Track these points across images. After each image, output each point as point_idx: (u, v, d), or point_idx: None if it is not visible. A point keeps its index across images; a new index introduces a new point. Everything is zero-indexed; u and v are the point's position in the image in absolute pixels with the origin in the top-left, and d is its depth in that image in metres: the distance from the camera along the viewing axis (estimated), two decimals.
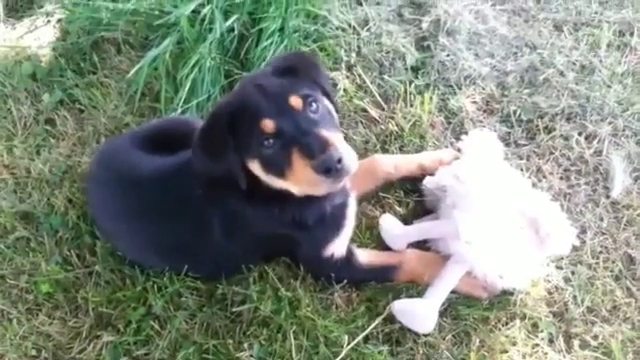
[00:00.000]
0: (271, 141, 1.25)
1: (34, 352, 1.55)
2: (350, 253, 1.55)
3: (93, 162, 1.71)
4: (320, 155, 1.20)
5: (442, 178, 1.60)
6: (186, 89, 1.86)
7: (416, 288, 1.56)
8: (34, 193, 1.84)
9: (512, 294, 1.55)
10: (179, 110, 1.87)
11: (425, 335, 1.50)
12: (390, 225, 1.64)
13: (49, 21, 2.30)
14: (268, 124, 1.24)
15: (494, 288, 1.54)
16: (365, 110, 1.94)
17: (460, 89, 1.97)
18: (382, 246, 1.65)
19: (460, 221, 1.46)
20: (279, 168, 1.27)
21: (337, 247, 1.51)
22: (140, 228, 1.54)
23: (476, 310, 1.53)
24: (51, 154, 1.92)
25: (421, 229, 1.62)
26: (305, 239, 1.49)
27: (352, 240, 1.60)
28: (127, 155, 1.60)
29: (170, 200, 1.48)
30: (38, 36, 2.28)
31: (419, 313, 1.49)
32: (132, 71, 1.90)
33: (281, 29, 1.95)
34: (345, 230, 1.51)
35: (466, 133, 1.85)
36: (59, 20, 2.28)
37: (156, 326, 1.54)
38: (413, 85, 1.97)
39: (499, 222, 1.47)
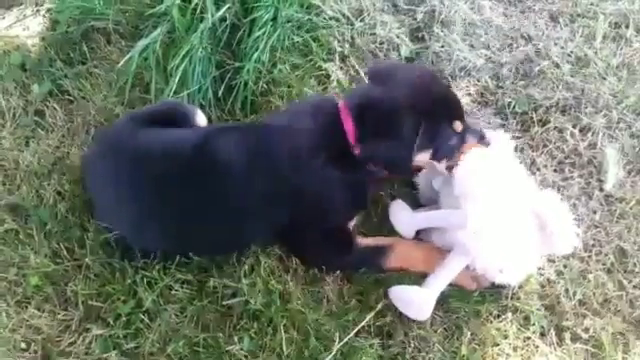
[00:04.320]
0: (454, 138, 1.49)
1: (23, 345, 1.54)
2: (349, 233, 1.59)
3: (97, 147, 1.70)
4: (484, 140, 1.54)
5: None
6: (177, 80, 1.83)
7: (409, 281, 1.55)
8: (23, 185, 1.81)
9: (504, 287, 1.54)
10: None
11: (418, 327, 1.50)
12: (400, 211, 1.63)
13: (38, 11, 2.26)
14: (459, 125, 1.50)
15: (485, 281, 1.53)
16: None
17: (455, 80, 1.95)
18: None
19: (470, 212, 1.44)
20: (448, 157, 1.50)
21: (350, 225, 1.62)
22: (156, 207, 1.54)
23: (468, 303, 1.52)
24: (40, 146, 1.90)
25: (429, 217, 1.60)
26: (335, 211, 1.58)
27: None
28: (133, 133, 1.60)
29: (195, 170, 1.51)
30: (27, 26, 2.24)
31: (417, 300, 1.48)
32: (122, 61, 1.87)
33: (274, 19, 1.92)
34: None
35: None
36: (48, 10, 2.24)
37: (146, 319, 1.53)
38: None
39: (507, 217, 1.45)
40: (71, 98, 2.00)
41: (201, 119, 1.73)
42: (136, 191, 1.54)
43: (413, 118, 1.42)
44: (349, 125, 1.48)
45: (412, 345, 1.50)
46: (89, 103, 1.96)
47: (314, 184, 1.50)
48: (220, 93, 1.89)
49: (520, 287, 1.56)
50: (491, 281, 1.53)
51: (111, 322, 1.54)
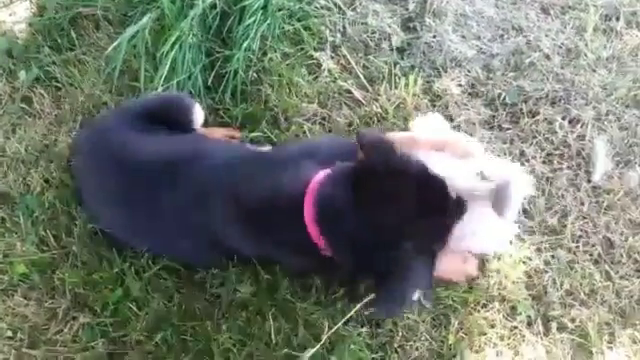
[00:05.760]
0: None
1: (9, 333, 1.53)
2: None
3: (83, 146, 1.63)
4: None
5: None
6: (166, 67, 1.81)
7: None
8: (10, 173, 1.80)
9: (491, 276, 1.55)
10: (159, 89, 1.82)
11: (406, 317, 1.51)
12: None
13: None
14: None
15: (474, 270, 1.54)
16: (349, 91, 1.91)
17: (445, 71, 1.95)
18: None
19: None
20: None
21: None
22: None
23: (455, 292, 1.53)
24: (27, 133, 1.87)
25: None
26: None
27: None
28: (124, 136, 1.54)
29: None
30: (14, 11, 2.20)
31: None
32: (110, 48, 1.85)
33: (264, 7, 1.90)
34: None
35: (451, 117, 1.85)
36: None
37: (134, 308, 1.53)
38: (398, 67, 1.94)
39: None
40: (59, 85, 1.98)
41: (198, 116, 1.68)
42: (117, 194, 1.50)
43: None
44: (313, 229, 1.24)
45: (400, 334, 1.50)
46: (77, 90, 1.94)
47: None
48: (210, 81, 1.88)
49: (507, 277, 1.56)
50: (472, 252, 1.51)
51: (98, 310, 1.54)
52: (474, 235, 1.44)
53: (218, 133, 1.77)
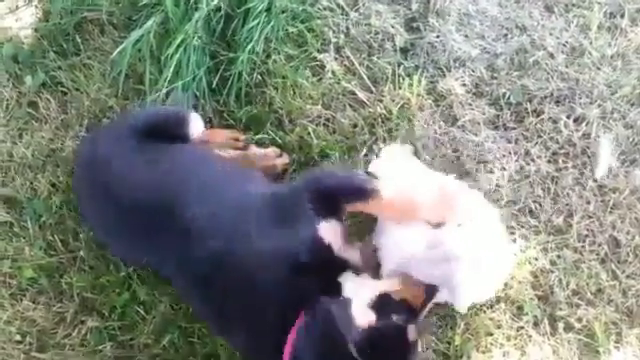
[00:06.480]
0: None
1: (18, 337, 1.55)
2: None
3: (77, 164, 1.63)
4: None
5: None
6: (171, 70, 1.82)
7: None
8: (17, 177, 1.81)
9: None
10: (164, 91, 1.83)
11: None
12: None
13: (31, 1, 2.24)
14: None
15: None
16: (353, 93, 1.91)
17: (449, 71, 1.94)
18: None
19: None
20: None
21: None
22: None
23: None
24: (34, 138, 1.89)
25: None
26: None
27: None
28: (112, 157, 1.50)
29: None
30: (20, 17, 2.21)
31: None
32: (115, 52, 1.86)
33: (268, 9, 1.90)
34: None
35: (455, 117, 1.85)
36: (41, 0, 2.22)
37: (141, 311, 1.54)
38: (402, 67, 1.94)
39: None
40: (65, 90, 1.99)
41: (194, 128, 1.66)
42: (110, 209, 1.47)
43: None
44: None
45: None
46: (83, 94, 1.95)
47: None
48: (214, 84, 1.89)
49: (513, 277, 1.56)
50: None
51: (106, 314, 1.55)
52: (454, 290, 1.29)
53: (220, 136, 1.78)
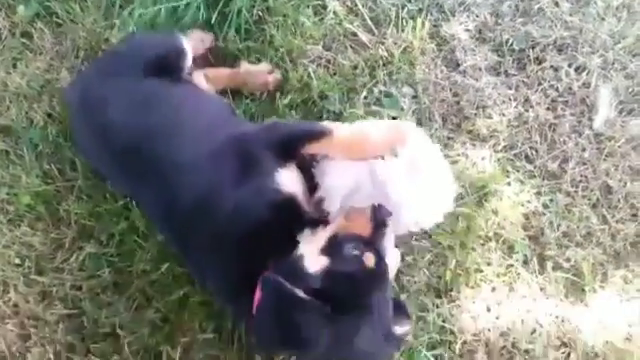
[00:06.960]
0: None
1: (17, 261, 1.56)
2: None
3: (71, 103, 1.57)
4: None
5: None
6: None
7: None
8: (12, 107, 1.79)
9: (489, 218, 1.57)
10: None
11: (405, 254, 1.54)
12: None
13: None
14: None
15: None
16: (355, 34, 1.89)
17: (453, 16, 1.92)
18: None
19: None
20: None
21: None
22: None
23: (453, 234, 1.56)
24: (28, 68, 1.85)
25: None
26: None
27: None
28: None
29: None
30: None
31: None
32: None
33: None
34: None
35: (457, 62, 1.83)
36: None
37: (139, 240, 1.55)
38: (406, 10, 1.91)
39: None
40: (59, 21, 1.94)
41: (190, 57, 1.61)
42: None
43: None
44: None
45: (399, 269, 1.54)
46: (78, 26, 1.90)
47: None
48: (213, 20, 1.84)
49: (505, 218, 1.59)
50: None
51: (104, 241, 1.56)
52: (407, 211, 1.25)
53: (223, 76, 1.77)
